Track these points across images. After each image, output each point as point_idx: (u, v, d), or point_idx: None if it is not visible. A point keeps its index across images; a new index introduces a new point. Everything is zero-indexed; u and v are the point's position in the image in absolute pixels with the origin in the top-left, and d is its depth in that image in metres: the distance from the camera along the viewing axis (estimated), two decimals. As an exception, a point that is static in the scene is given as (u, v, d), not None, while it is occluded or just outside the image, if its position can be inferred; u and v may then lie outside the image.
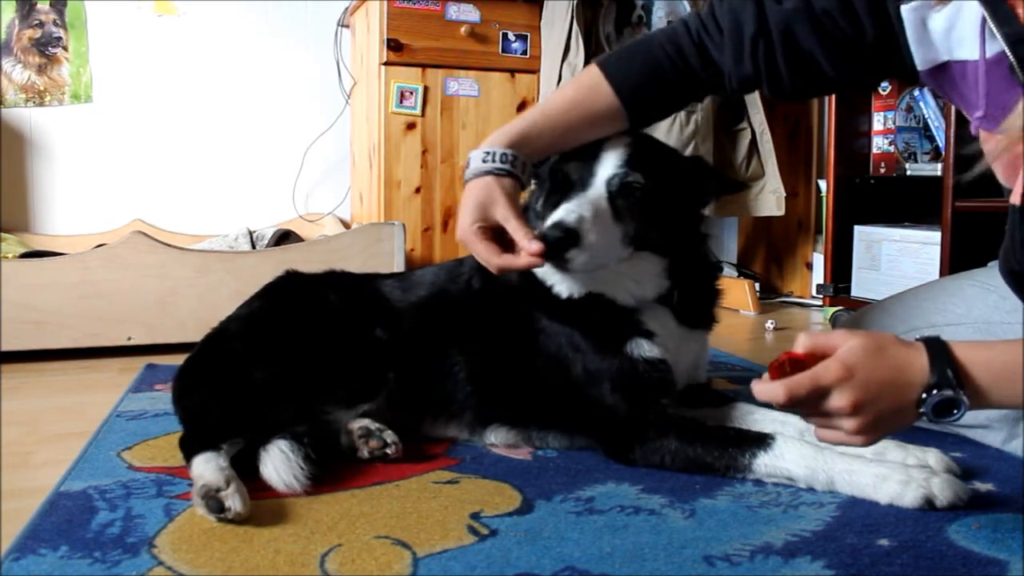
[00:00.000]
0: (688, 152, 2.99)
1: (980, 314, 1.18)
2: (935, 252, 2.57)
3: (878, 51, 1.21)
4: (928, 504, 1.11)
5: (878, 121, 2.94)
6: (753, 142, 3.25)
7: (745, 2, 1.26)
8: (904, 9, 1.13)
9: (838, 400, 0.96)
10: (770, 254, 3.78)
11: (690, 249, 1.41)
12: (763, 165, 3.25)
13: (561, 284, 1.35)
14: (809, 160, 3.60)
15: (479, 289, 1.47)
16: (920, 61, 1.17)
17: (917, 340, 0.99)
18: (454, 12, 2.90)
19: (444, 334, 1.46)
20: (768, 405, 1.07)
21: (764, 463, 1.21)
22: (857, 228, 2.89)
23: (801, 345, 1.01)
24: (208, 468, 1.14)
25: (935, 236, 2.56)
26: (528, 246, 1.19)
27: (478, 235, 1.26)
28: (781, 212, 3.25)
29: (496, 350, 1.43)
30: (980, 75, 1.07)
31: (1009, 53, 0.98)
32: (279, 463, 1.19)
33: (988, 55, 1.05)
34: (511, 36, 2.98)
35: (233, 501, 1.08)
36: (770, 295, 3.60)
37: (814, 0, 1.21)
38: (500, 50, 2.97)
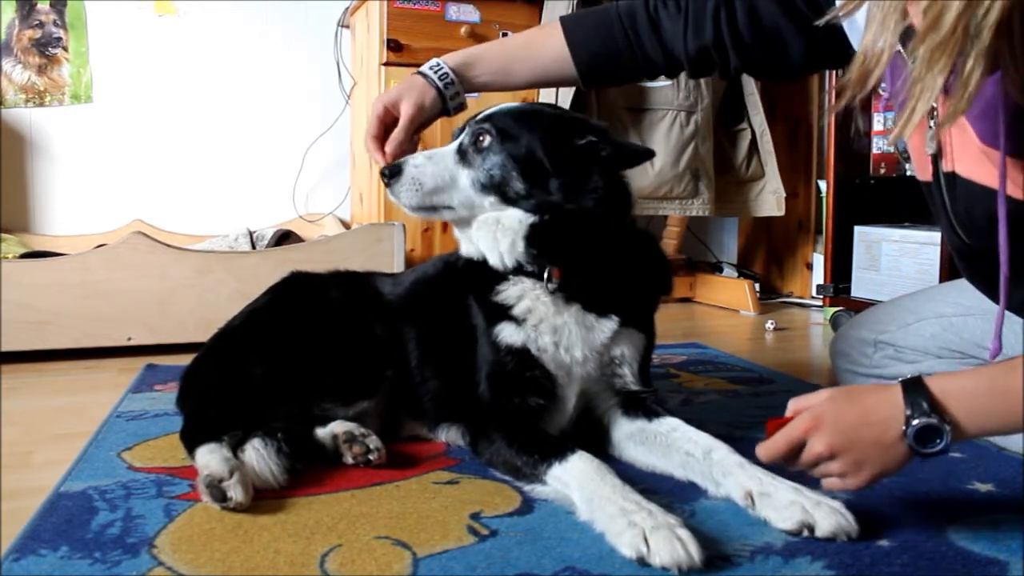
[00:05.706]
0: (687, 153, 3.00)
1: (990, 304, 1.18)
2: (935, 252, 2.57)
3: (832, 35, 1.24)
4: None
5: (878, 122, 2.93)
6: (753, 142, 3.25)
7: None
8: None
9: (814, 447, 1.01)
10: (770, 254, 3.78)
11: (582, 216, 1.27)
12: (763, 165, 3.25)
13: (461, 241, 1.38)
14: (809, 160, 3.60)
15: (440, 280, 1.49)
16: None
17: (898, 381, 1.00)
18: (454, 12, 2.90)
19: (413, 328, 1.46)
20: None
21: (555, 475, 1.16)
22: (857, 228, 2.89)
23: (788, 409, 1.06)
24: (213, 458, 1.16)
25: (935, 236, 2.55)
26: (380, 161, 1.41)
27: (381, 113, 1.43)
28: (781, 212, 3.25)
29: (441, 341, 1.43)
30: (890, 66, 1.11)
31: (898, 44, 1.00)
32: (254, 461, 1.21)
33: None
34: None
35: (235, 491, 1.12)
36: (770, 295, 3.60)
37: None
38: (500, 50, 2.96)
